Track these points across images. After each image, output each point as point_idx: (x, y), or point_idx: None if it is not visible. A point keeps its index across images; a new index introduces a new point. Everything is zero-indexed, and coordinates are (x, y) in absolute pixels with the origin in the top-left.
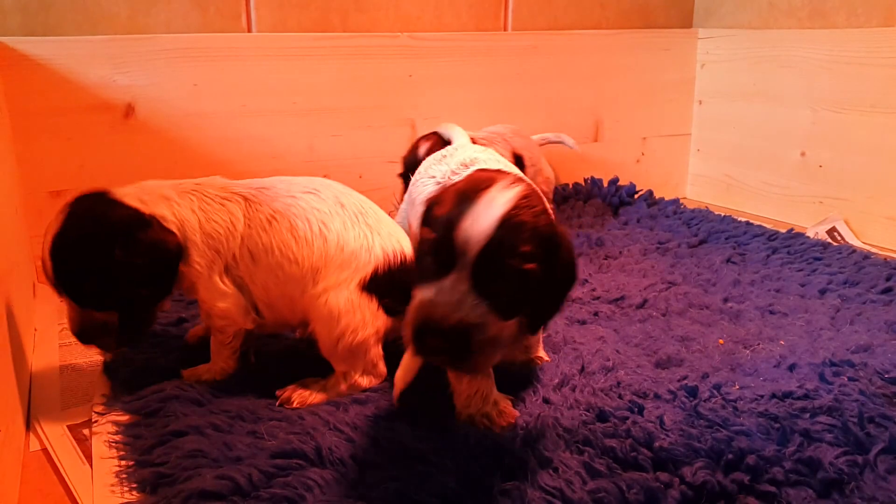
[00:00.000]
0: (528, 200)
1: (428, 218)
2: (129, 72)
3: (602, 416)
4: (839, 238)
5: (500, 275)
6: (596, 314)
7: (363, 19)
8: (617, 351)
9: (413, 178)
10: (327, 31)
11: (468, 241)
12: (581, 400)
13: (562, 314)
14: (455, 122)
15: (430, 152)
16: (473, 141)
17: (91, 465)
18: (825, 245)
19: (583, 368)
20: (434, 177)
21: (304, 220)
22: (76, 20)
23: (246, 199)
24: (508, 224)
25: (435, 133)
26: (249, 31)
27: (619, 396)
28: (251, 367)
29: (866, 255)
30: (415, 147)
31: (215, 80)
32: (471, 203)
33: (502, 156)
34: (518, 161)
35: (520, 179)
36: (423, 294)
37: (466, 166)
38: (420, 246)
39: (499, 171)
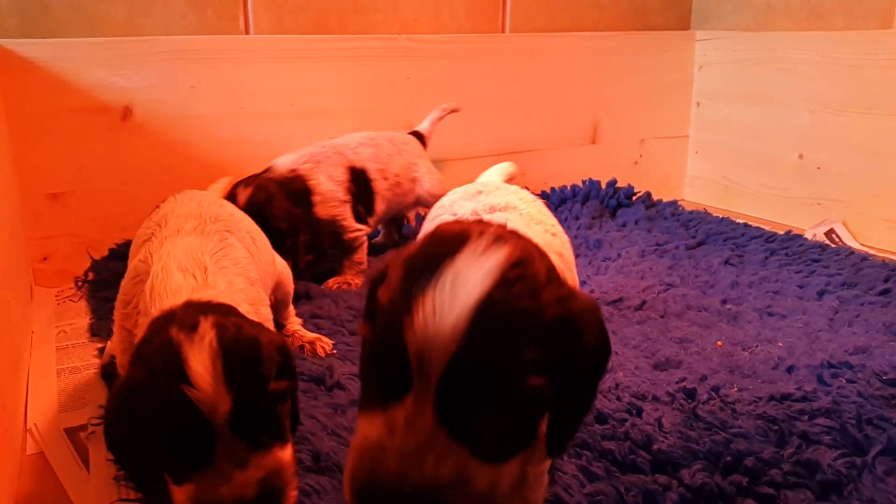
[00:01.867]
0: (522, 268)
1: (370, 303)
2: (127, 74)
3: (601, 418)
4: (837, 240)
5: (487, 399)
6: None
7: (361, 21)
8: (615, 352)
9: (430, 214)
10: (325, 34)
11: (427, 349)
12: None
13: None
14: (453, 125)
15: (251, 201)
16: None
17: (88, 469)
18: (823, 247)
19: None
20: (456, 214)
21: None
22: (74, 22)
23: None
24: (493, 313)
25: (257, 176)
26: (247, 32)
27: (618, 398)
28: None
29: (864, 257)
30: (233, 195)
31: (213, 82)
32: (430, 280)
33: (333, 172)
34: (359, 177)
35: (509, 233)
36: (365, 432)
37: (493, 210)
38: (362, 350)
39: (478, 222)
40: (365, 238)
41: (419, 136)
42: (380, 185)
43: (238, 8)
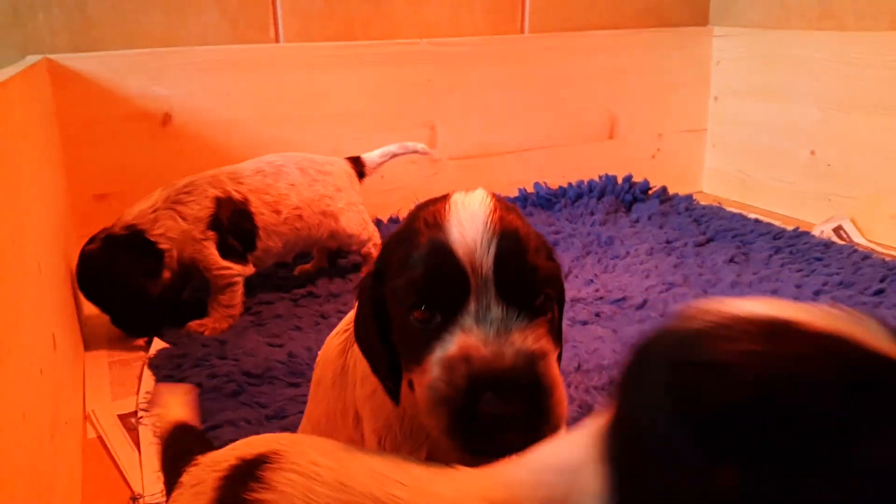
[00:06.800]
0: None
1: (385, 272)
2: (166, 82)
3: (591, 412)
4: (845, 236)
5: (529, 282)
6: (598, 314)
7: (385, 26)
8: (614, 350)
9: None
10: (351, 40)
11: (476, 252)
12: (575, 396)
13: (564, 314)
14: (474, 124)
15: (79, 275)
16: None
17: (140, 452)
18: (828, 245)
19: (579, 367)
20: None
21: None
22: (116, 35)
23: None
24: (503, 221)
25: (94, 238)
26: (277, 41)
27: (610, 394)
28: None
29: (866, 256)
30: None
31: (246, 89)
32: (445, 220)
33: (187, 210)
34: (234, 209)
35: None
36: (442, 354)
37: None
38: (394, 305)
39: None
40: (237, 279)
41: (358, 164)
42: (267, 219)
43: (268, 17)
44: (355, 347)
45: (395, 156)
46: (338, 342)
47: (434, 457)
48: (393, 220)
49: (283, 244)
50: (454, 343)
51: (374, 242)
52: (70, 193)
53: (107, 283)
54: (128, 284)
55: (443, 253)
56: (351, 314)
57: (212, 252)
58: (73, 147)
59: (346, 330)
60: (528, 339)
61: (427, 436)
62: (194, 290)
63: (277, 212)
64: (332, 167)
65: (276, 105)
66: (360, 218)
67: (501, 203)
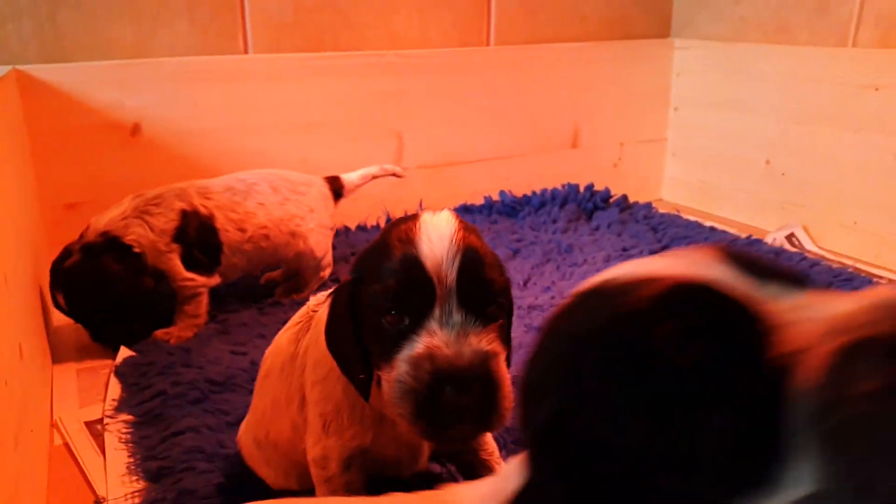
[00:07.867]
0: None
1: (362, 280)
2: (135, 94)
3: None
4: (797, 243)
5: (485, 292)
6: None
7: (354, 37)
8: None
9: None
10: (320, 51)
11: (442, 266)
12: None
13: (521, 320)
14: (440, 134)
15: (65, 283)
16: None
17: (105, 457)
18: (778, 252)
19: None
20: None
21: None
22: (86, 45)
23: None
24: (465, 240)
25: (66, 254)
26: (246, 52)
27: None
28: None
29: (815, 263)
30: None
31: (214, 100)
32: (416, 237)
33: (155, 221)
34: (199, 223)
35: None
36: (409, 352)
37: None
38: (369, 310)
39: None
40: (202, 289)
41: (336, 184)
42: (232, 237)
43: (237, 28)
44: (307, 337)
45: (375, 177)
46: (289, 333)
47: (378, 442)
48: (361, 228)
49: (247, 262)
50: (421, 343)
51: (326, 273)
52: (41, 203)
53: (98, 291)
54: (120, 285)
55: (414, 265)
56: (302, 310)
57: (176, 264)
58: (44, 157)
59: (299, 322)
60: (482, 341)
61: (373, 422)
62: (162, 298)
63: (243, 230)
64: (307, 187)
65: (245, 115)
66: (326, 242)
67: (464, 224)
